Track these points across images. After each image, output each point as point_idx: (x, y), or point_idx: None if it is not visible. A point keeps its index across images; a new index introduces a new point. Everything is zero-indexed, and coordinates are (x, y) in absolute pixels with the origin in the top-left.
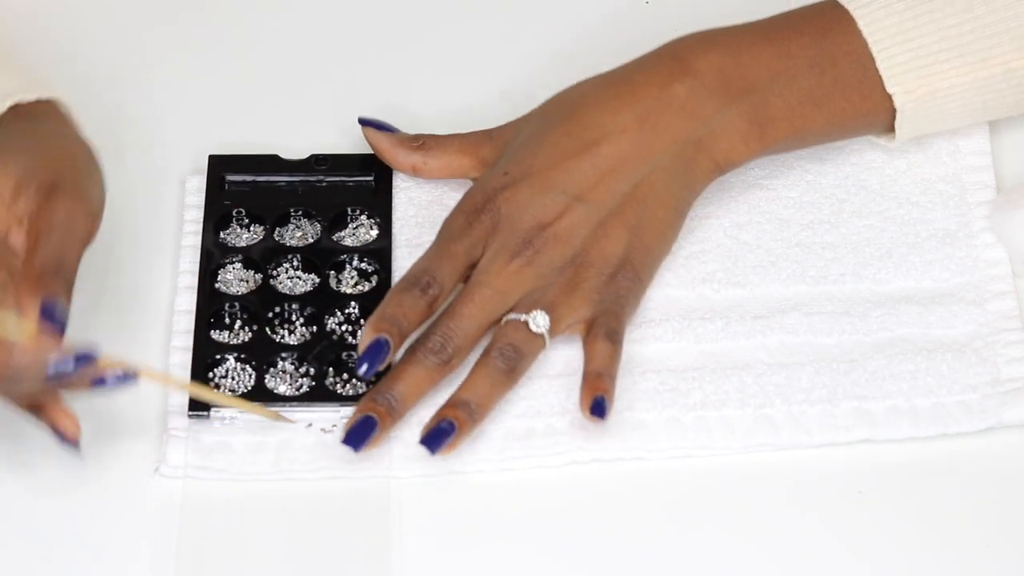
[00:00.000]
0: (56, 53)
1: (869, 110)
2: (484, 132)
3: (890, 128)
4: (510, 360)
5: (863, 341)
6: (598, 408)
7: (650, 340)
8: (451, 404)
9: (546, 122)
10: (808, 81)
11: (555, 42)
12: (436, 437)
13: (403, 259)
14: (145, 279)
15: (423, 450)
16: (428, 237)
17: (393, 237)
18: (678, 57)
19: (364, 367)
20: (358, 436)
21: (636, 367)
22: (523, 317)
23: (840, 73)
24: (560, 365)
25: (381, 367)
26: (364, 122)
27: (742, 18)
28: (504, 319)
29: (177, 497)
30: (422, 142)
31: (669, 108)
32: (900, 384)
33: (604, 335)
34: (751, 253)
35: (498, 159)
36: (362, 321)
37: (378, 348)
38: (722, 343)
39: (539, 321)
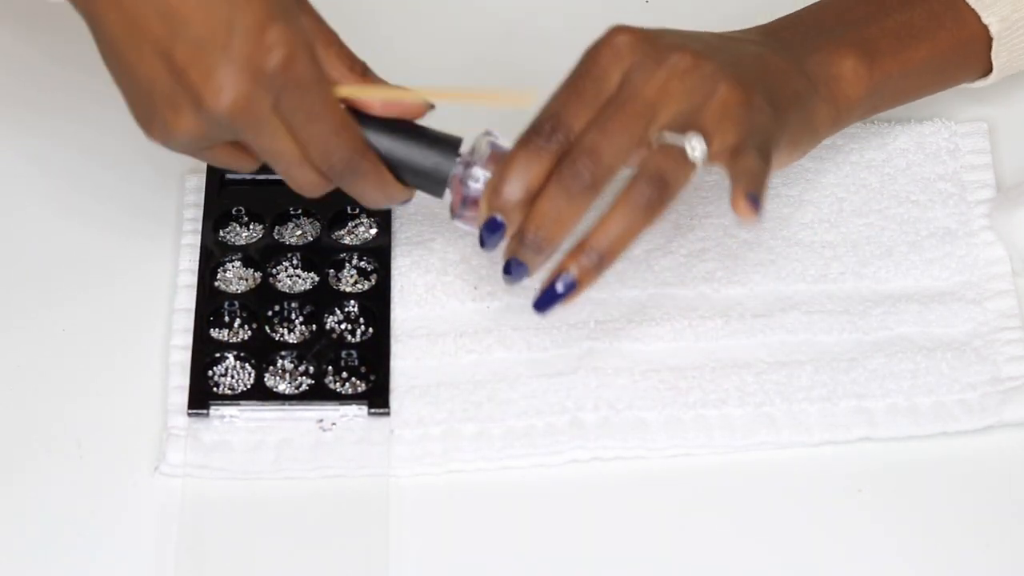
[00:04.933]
0: (55, 52)
1: (967, 39)
2: None
3: (987, 64)
4: (654, 193)
5: (863, 340)
6: (753, 200)
7: (650, 339)
8: (579, 250)
9: None
10: (901, 16)
11: (554, 41)
12: (549, 300)
13: (402, 257)
14: (145, 277)
15: (422, 449)
16: (429, 235)
17: (393, 235)
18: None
19: (486, 247)
20: (513, 277)
21: (636, 366)
22: (679, 141)
23: (931, 8)
24: (560, 364)
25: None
26: None
27: (742, 19)
28: (656, 142)
29: (177, 496)
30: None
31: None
32: (900, 383)
33: (756, 155)
34: (751, 252)
35: None
36: (361, 320)
37: (492, 228)
38: (722, 341)
39: (695, 145)
